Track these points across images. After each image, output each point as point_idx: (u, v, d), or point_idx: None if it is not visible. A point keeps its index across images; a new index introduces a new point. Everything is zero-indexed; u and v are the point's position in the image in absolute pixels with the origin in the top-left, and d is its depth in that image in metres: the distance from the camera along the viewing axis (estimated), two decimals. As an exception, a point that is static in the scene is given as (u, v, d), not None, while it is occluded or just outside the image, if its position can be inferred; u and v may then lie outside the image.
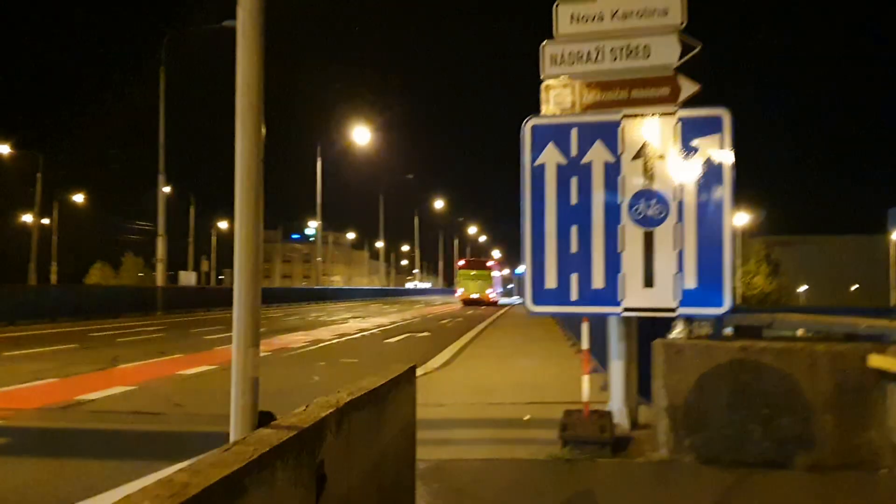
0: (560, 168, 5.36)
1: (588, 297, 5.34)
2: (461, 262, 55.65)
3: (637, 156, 5.27)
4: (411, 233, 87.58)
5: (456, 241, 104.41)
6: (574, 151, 5.34)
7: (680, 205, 5.18)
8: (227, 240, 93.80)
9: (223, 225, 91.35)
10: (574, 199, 5.33)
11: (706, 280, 5.14)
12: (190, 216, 64.32)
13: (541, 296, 5.46)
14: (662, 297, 5.20)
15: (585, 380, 5.63)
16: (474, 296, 49.30)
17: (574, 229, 5.34)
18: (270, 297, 40.63)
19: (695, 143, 5.18)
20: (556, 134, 5.38)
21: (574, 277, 5.35)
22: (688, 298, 5.16)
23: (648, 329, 5.84)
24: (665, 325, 5.76)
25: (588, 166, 5.32)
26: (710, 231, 5.16)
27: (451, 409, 7.41)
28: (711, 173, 5.16)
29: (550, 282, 5.40)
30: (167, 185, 63.82)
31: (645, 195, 5.24)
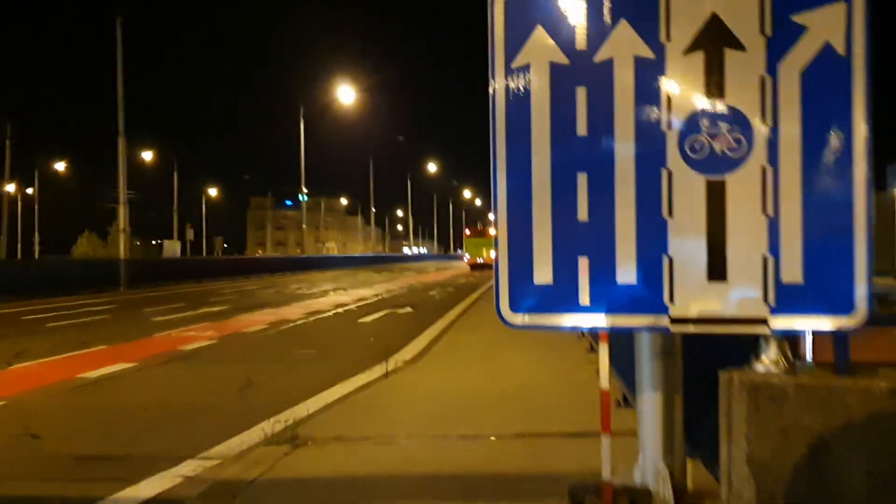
0: (557, 71, 3.04)
1: (609, 298, 3.04)
2: (467, 232, 64.57)
3: (694, 46, 2.94)
4: (406, 197, 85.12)
5: (451, 205, 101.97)
6: (581, 41, 3.02)
7: (773, 134, 2.88)
8: (216, 206, 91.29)
9: (213, 192, 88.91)
10: (582, 128, 3.02)
11: (822, 267, 2.86)
12: (174, 181, 61.84)
13: (524, 297, 3.16)
14: (744, 298, 2.92)
15: (605, 444, 3.33)
16: (479, 260, 54.69)
17: (582, 180, 3.02)
18: (251, 267, 38.37)
19: (800, 18, 2.86)
20: (548, 9, 3.05)
21: (583, 264, 3.04)
22: (789, 300, 2.88)
23: (704, 344, 3.55)
24: (737, 342, 3.43)
25: (607, 67, 3.00)
26: (828, 182, 2.87)
27: (402, 451, 5.15)
28: (831, 77, 2.85)
29: (541, 273, 3.09)
30: (149, 149, 61.45)
31: (709, 118, 2.92)
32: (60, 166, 67.67)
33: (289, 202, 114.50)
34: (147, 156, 60.93)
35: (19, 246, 69.81)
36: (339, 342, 12.38)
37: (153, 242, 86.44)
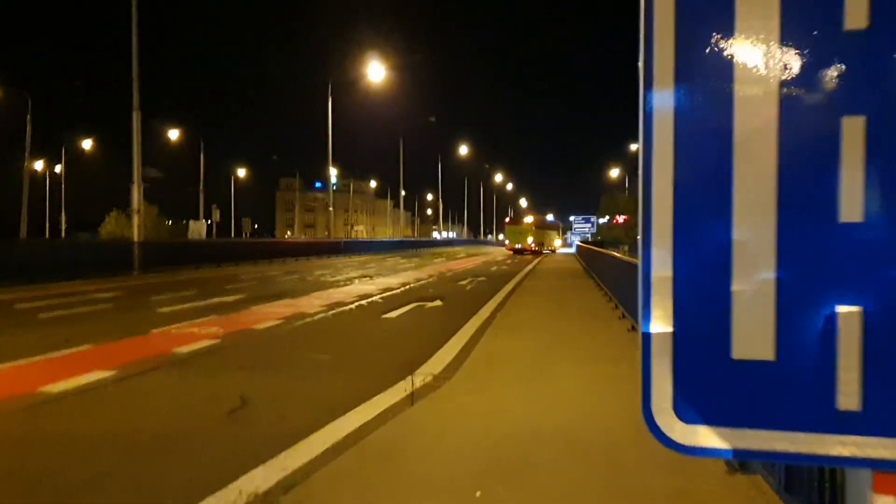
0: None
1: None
2: (507, 220, 73.93)
3: None
4: (436, 181, 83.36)
5: (481, 189, 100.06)
6: None
7: None
8: (244, 186, 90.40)
9: (241, 172, 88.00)
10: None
11: None
12: (200, 161, 60.76)
13: (706, 389, 1.46)
14: None
15: None
16: (518, 246, 61.32)
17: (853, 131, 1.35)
18: (276, 251, 36.99)
19: None
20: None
21: (850, 320, 1.35)
22: None
23: None
24: None
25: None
26: None
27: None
28: None
29: (749, 340, 1.41)
30: (176, 127, 60.35)
31: None
32: (88, 144, 67.02)
33: (318, 184, 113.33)
34: (175, 135, 59.98)
35: (47, 225, 69.51)
36: (359, 344, 10.78)
37: (184, 223, 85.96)
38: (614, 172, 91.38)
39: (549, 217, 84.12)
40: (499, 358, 8.80)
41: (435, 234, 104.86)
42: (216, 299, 16.57)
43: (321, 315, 13.84)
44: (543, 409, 6.15)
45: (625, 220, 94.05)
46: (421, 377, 7.86)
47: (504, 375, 7.67)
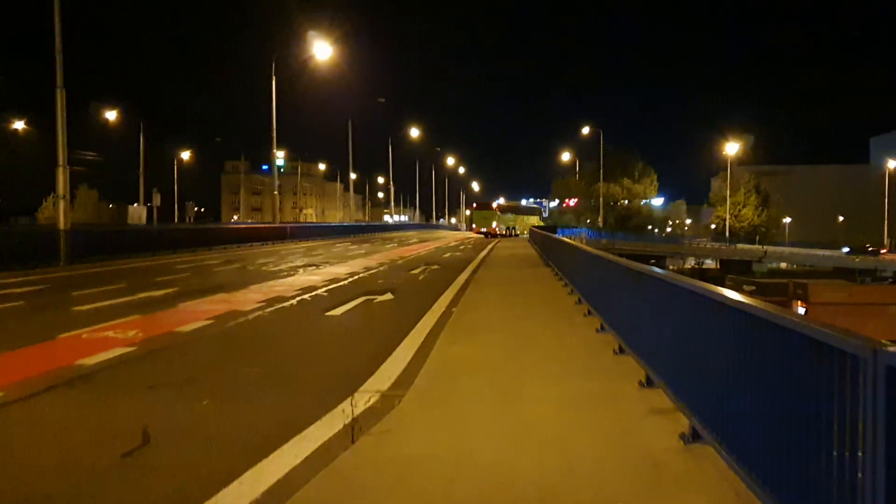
0: None
1: None
2: (474, 205, 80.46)
3: None
4: (387, 163, 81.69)
5: (433, 172, 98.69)
6: None
7: None
8: (188, 169, 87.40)
9: (185, 155, 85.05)
10: None
11: None
12: (140, 143, 58.03)
13: None
14: None
15: None
16: (483, 229, 67.77)
17: None
18: (217, 237, 35.17)
19: None
20: None
21: None
22: None
23: None
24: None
25: None
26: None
27: None
28: None
29: None
30: (112, 108, 57.51)
31: None
32: (20, 125, 63.69)
33: (265, 167, 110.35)
34: (114, 116, 57.27)
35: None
36: (296, 351, 9.48)
37: (128, 208, 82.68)
38: (566, 156, 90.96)
39: (527, 202, 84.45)
40: (457, 370, 7.60)
41: (387, 218, 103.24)
42: (144, 294, 15.04)
43: (257, 313, 12.46)
44: (516, 451, 4.96)
45: (576, 202, 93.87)
46: (366, 397, 6.64)
47: (465, 397, 6.47)
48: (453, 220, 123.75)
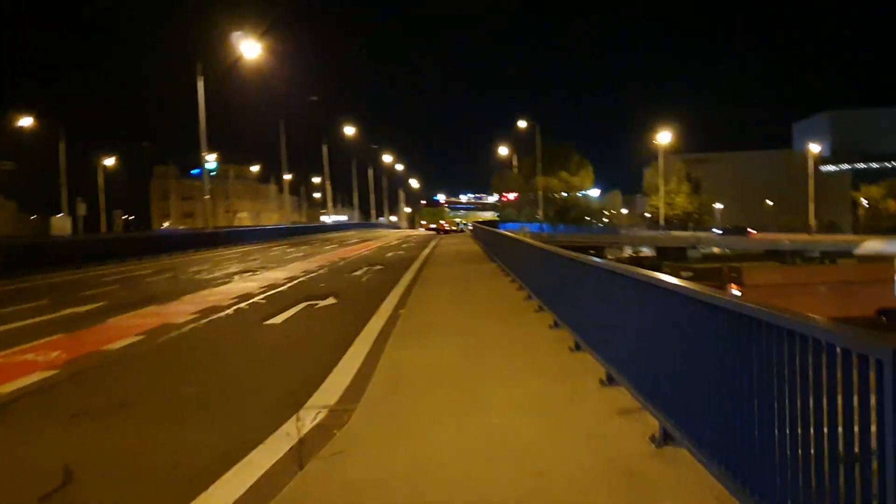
0: None
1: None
2: (424, 202, 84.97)
3: None
4: (323, 163, 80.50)
5: (371, 170, 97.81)
6: None
7: None
8: (115, 177, 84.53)
9: (110, 161, 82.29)
10: None
11: None
12: (60, 151, 55.61)
13: None
14: None
15: None
16: (433, 226, 70.78)
17: None
18: (148, 246, 33.86)
19: None
20: None
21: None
22: None
23: None
24: None
25: None
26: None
27: None
28: None
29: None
30: (30, 114, 54.92)
31: None
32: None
33: (196, 171, 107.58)
34: (30, 122, 54.76)
35: None
36: (235, 366, 8.90)
37: (52, 218, 79.28)
38: (503, 151, 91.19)
39: (466, 197, 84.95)
40: (410, 378, 7.17)
41: (325, 219, 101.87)
42: (68, 310, 14.14)
43: (191, 326, 11.78)
44: (482, 465, 4.57)
45: (515, 197, 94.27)
46: (313, 414, 6.16)
47: (420, 407, 6.04)
48: (394, 218, 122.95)
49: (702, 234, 78.87)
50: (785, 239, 75.46)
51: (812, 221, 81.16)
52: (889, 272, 56.63)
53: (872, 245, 65.72)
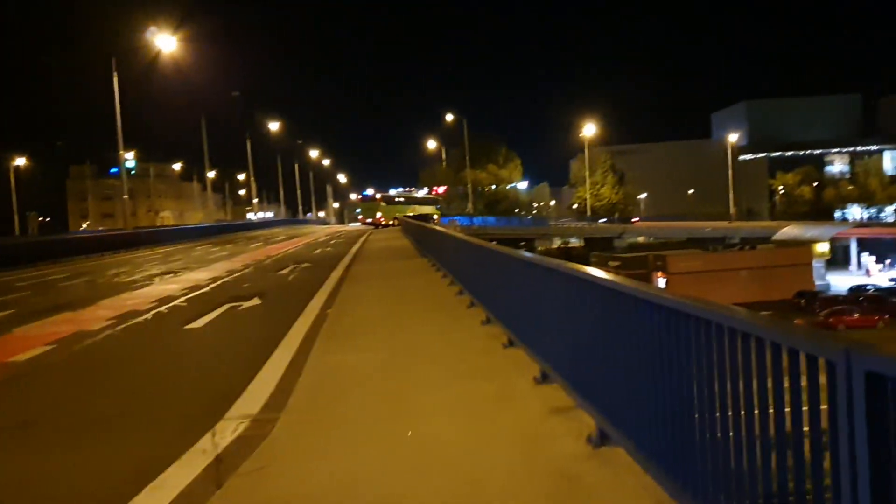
0: None
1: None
2: (360, 197, 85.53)
3: None
4: (247, 160, 78.74)
5: (296, 166, 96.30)
6: None
7: None
8: (27, 178, 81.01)
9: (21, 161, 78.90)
10: None
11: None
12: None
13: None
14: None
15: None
16: (369, 220, 70.77)
17: None
18: (63, 249, 32.40)
19: None
20: None
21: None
22: None
23: None
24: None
25: None
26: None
27: None
28: None
29: None
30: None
31: None
32: None
33: (114, 170, 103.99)
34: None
35: None
36: (152, 374, 8.42)
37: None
38: (431, 144, 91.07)
39: (395, 191, 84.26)
40: (337, 383, 6.87)
41: (251, 216, 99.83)
42: (-28, 320, 13.26)
43: (107, 332, 11.17)
44: (414, 476, 4.32)
45: (444, 190, 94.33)
46: (233, 425, 5.80)
47: (348, 415, 5.76)
48: (322, 214, 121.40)
49: (584, 225, 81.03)
50: (675, 226, 79.43)
51: (732, 209, 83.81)
52: (806, 256, 59.13)
53: (790, 231, 68.35)
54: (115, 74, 36.83)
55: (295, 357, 8.31)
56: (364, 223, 73.25)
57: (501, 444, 4.76)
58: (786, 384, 2.44)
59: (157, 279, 20.28)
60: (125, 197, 39.88)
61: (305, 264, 23.17)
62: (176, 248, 39.19)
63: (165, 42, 36.63)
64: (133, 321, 12.26)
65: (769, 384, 2.52)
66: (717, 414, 2.89)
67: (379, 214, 71.78)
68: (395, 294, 13.86)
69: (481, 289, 9.78)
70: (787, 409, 2.45)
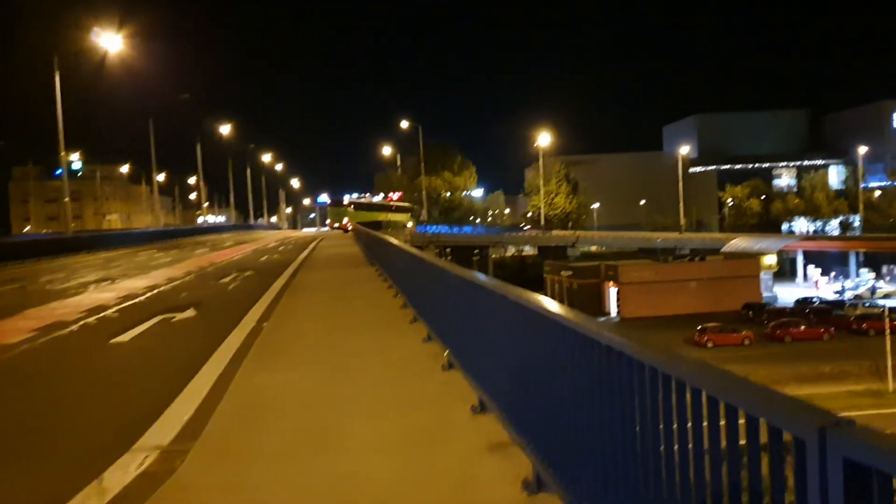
0: None
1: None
2: (329, 202, 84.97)
3: None
4: (197, 163, 77.07)
5: (248, 170, 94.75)
6: None
7: None
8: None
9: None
10: None
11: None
12: None
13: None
14: None
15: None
16: (336, 224, 72.41)
17: None
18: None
19: None
20: None
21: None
22: None
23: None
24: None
25: None
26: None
27: None
28: None
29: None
30: None
31: None
32: None
33: (59, 171, 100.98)
34: None
35: None
36: (65, 396, 7.76)
37: None
38: (387, 151, 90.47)
39: (349, 196, 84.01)
40: (260, 409, 6.34)
41: (202, 220, 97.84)
42: None
43: (25, 347, 10.43)
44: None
45: (399, 196, 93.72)
46: (140, 458, 5.25)
47: (267, 448, 5.24)
48: (274, 219, 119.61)
49: (538, 234, 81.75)
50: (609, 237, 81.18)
51: (682, 220, 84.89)
52: (754, 268, 60.05)
53: (738, 243, 69.40)
54: (57, 73, 35.48)
55: (221, 376, 7.75)
56: (332, 227, 74.48)
57: (430, 486, 4.31)
58: (743, 446, 2.05)
59: (91, 287, 19.37)
60: (66, 199, 38.44)
61: (249, 272, 22.42)
62: (119, 253, 37.93)
63: (111, 42, 35.42)
64: (56, 334, 11.51)
65: (722, 446, 2.12)
66: (663, 474, 2.49)
67: (346, 220, 73.05)
68: (337, 306, 13.33)
69: (423, 303, 9.33)
70: (745, 474, 2.07)
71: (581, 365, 3.26)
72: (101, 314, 13.63)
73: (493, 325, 5.00)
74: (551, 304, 3.74)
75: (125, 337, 10.97)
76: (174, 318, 12.79)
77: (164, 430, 5.95)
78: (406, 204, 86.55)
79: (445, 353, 7.14)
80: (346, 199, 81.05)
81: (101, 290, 18.43)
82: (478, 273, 6.01)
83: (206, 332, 11.05)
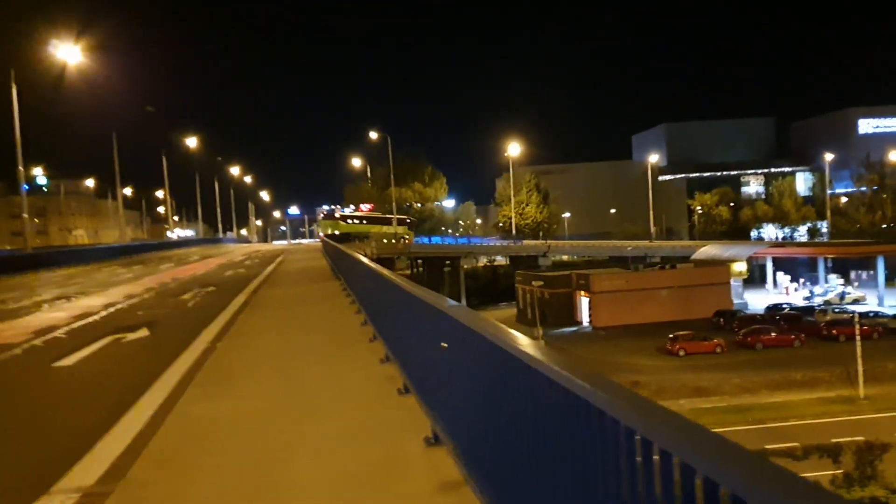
0: None
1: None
2: (321, 215, 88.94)
3: None
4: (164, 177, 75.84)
5: (216, 184, 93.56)
6: None
7: None
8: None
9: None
10: None
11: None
12: None
13: None
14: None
15: None
16: (326, 235, 72.74)
17: None
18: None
19: None
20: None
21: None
22: None
23: None
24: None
25: None
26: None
27: None
28: None
29: None
30: None
31: None
32: None
33: (24, 187, 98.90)
34: None
35: None
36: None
37: None
38: (356, 162, 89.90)
39: (319, 208, 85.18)
40: (196, 443, 5.82)
41: (171, 235, 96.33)
42: None
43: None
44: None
45: (370, 208, 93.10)
46: (57, 501, 4.71)
47: (199, 488, 4.74)
48: (244, 232, 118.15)
49: (509, 244, 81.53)
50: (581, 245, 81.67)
51: (653, 228, 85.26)
52: (724, 275, 60.23)
53: (708, 250, 69.66)
54: (14, 87, 34.53)
55: (162, 405, 7.20)
56: (322, 239, 75.71)
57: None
58: None
59: (45, 305, 18.61)
60: (24, 215, 37.41)
61: (211, 288, 21.74)
62: (81, 269, 36.90)
63: (72, 54, 34.58)
64: (-2, 357, 10.85)
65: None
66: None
67: (337, 232, 73.46)
68: (296, 324, 12.80)
69: (382, 322, 8.86)
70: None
71: (537, 406, 2.83)
72: (50, 335, 12.96)
73: (448, 353, 4.56)
74: (507, 334, 3.30)
75: (70, 360, 10.34)
76: (125, 338, 12.17)
77: (89, 469, 5.41)
78: (403, 217, 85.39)
79: (401, 376, 6.68)
80: (342, 210, 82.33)
81: (55, 308, 17.69)
82: (433, 292, 5.55)
83: (155, 354, 10.47)
